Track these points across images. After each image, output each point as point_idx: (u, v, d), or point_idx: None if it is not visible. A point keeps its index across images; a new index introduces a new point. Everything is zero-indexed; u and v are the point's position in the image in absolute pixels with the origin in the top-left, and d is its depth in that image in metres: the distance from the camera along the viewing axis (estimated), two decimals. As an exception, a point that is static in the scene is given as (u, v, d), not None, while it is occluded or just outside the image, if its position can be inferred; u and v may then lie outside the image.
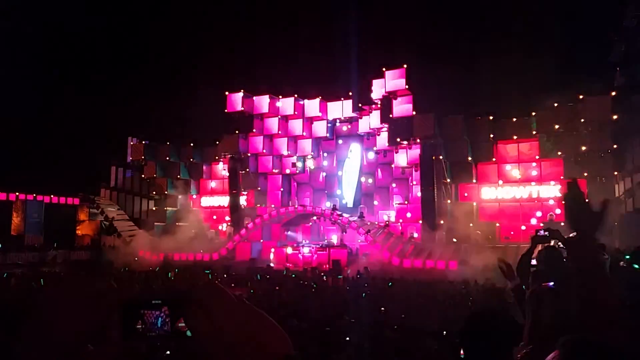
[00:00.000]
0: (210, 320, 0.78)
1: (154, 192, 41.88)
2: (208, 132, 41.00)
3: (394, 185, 35.73)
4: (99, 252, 35.59)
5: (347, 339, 9.18)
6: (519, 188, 31.82)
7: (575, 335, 1.29)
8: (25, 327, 0.82)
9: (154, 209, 42.06)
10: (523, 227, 29.87)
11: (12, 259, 31.99)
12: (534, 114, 31.40)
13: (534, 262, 4.32)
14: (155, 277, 23.08)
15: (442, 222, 30.19)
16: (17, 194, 40.18)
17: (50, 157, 44.37)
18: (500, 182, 32.25)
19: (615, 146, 27.67)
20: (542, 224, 22.38)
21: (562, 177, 29.91)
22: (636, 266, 3.26)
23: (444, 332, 9.05)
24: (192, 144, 41.69)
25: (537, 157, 31.42)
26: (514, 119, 32.40)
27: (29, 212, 40.03)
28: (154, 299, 0.82)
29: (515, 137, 32.20)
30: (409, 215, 33.58)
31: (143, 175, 42.05)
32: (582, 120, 28.72)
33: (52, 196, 42.66)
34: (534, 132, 31.18)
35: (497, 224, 31.42)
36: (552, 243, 4.78)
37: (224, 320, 0.79)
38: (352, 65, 34.76)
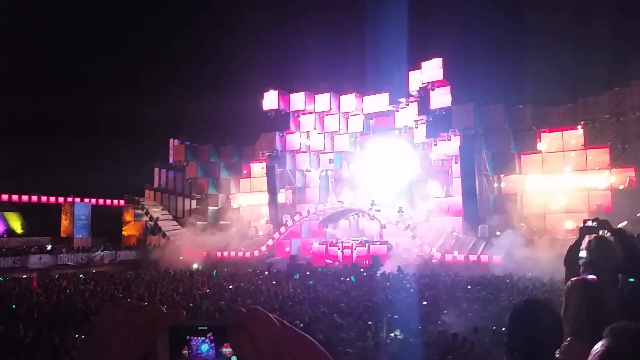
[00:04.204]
0: (254, 344, 0.80)
1: (196, 192, 42.90)
2: (246, 131, 41.61)
3: (433, 178, 35.09)
4: (145, 252, 36.56)
5: (392, 334, 9.13)
6: (565, 178, 30.70)
7: (624, 322, 1.23)
8: (79, 350, 0.85)
9: (196, 208, 42.99)
10: (569, 219, 28.86)
11: (62, 260, 33.15)
12: (578, 100, 30.32)
13: (582, 253, 4.15)
14: (199, 274, 23.70)
15: (484, 214, 29.57)
16: (65, 197, 41.64)
17: (96, 160, 45.85)
18: (545, 172, 31.27)
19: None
20: (589, 215, 21.60)
21: (609, 166, 28.82)
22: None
23: (494, 328, 8.87)
24: (231, 144, 42.39)
25: (583, 145, 30.28)
26: (557, 107, 31.36)
27: (77, 214, 41.42)
28: (200, 325, 0.83)
29: (559, 125, 31.15)
30: (449, 208, 32.96)
31: (186, 176, 43.14)
32: (630, 105, 27.55)
33: (98, 198, 44.09)
34: (579, 120, 30.09)
35: (543, 216, 30.49)
36: (600, 233, 4.59)
37: (268, 344, 0.80)
38: (387, 58, 34.38)
